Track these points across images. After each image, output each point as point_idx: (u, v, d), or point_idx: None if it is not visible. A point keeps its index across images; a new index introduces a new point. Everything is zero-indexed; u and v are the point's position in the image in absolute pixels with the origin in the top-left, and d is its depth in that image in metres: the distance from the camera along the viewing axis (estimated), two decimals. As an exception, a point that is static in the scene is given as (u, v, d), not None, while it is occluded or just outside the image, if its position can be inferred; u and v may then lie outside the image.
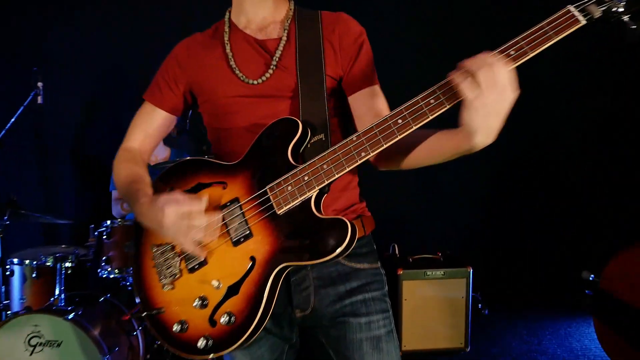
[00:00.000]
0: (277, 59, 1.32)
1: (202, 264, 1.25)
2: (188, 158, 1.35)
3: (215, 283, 1.22)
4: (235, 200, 1.25)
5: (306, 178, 1.17)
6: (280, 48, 1.33)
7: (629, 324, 2.94)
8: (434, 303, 3.39)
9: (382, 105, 1.33)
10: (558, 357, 3.50)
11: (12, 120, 3.12)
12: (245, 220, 1.23)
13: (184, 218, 1.15)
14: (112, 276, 2.94)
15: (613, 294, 3.03)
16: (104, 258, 2.91)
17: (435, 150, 1.17)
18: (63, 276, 2.82)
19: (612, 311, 3.03)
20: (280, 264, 1.17)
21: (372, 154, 1.13)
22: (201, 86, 1.40)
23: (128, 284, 3.07)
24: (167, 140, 3.68)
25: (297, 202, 1.18)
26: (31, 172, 4.15)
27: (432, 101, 1.08)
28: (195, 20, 3.91)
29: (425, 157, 1.20)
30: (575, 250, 4.54)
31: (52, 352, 2.54)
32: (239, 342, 1.17)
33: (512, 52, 1.04)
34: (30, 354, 2.53)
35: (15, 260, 2.91)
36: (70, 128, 4.22)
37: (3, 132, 3.10)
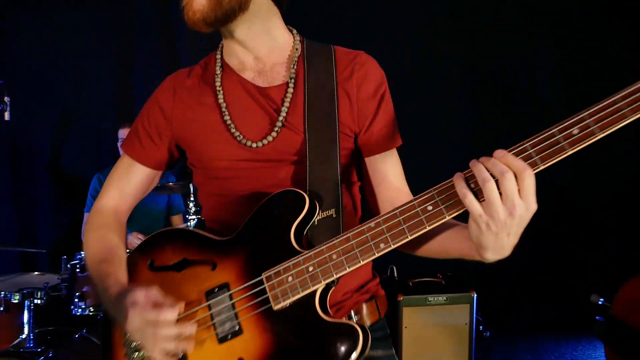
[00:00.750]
0: (284, 116, 1.09)
1: None
2: (174, 227, 1.13)
3: None
4: (225, 286, 1.03)
5: (311, 269, 0.96)
6: (287, 101, 1.09)
7: (646, 355, 2.78)
8: (435, 330, 3.21)
9: (398, 174, 1.16)
10: (566, 386, 3.37)
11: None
12: (235, 313, 1.01)
13: (149, 326, 0.94)
14: (87, 313, 2.69)
15: (627, 321, 2.88)
16: (77, 294, 2.66)
17: (446, 247, 1.05)
18: (32, 313, 2.57)
19: (627, 340, 2.87)
20: None
21: (392, 247, 0.93)
22: (190, 143, 1.17)
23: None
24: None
25: (298, 296, 0.96)
26: (3, 193, 3.89)
27: (430, 207, 0.90)
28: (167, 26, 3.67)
29: (436, 252, 1.08)
30: (579, 270, 4.37)
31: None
32: None
33: (537, 153, 0.86)
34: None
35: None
36: (43, 146, 3.94)
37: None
